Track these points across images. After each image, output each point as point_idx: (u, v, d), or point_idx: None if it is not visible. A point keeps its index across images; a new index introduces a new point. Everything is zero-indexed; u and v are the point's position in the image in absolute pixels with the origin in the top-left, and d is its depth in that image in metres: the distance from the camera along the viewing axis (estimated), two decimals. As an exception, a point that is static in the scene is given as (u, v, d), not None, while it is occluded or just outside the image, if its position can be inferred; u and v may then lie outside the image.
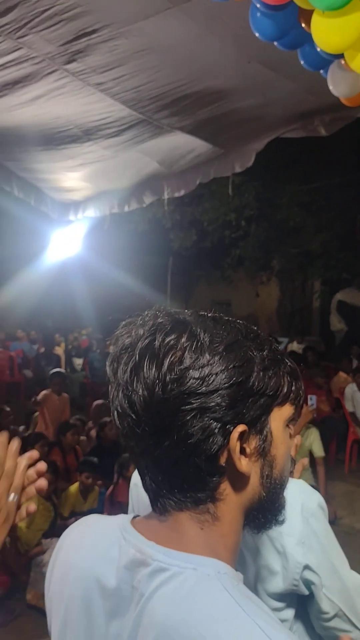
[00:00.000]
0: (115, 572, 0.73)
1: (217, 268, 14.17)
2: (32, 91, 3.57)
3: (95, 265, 9.56)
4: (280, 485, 0.77)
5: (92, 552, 0.78)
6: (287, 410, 0.76)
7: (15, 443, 0.89)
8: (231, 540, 0.74)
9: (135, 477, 1.47)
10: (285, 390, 0.75)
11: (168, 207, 7.65)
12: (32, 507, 0.91)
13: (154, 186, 5.37)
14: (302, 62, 2.49)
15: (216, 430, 0.68)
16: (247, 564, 1.10)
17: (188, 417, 0.68)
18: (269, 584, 1.12)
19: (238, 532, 0.75)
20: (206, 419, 0.68)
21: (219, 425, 0.68)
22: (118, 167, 4.97)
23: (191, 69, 3.33)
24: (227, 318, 0.76)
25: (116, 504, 4.22)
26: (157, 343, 0.69)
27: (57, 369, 7.31)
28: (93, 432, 5.63)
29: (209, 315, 0.75)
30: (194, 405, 0.68)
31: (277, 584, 1.11)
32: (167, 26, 2.88)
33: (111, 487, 4.35)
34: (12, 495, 0.86)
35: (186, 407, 0.68)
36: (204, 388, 0.68)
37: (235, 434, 0.69)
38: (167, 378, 0.68)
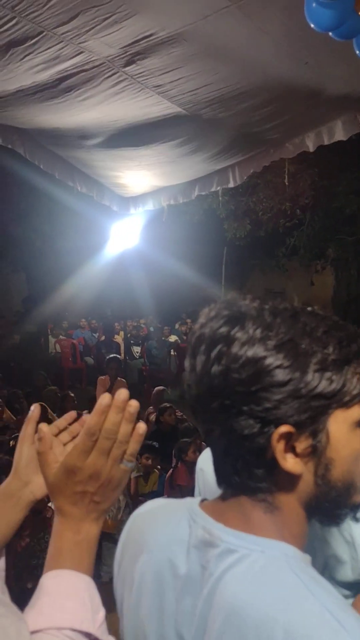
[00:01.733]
0: (185, 552, 0.76)
1: (272, 257, 14.10)
2: (93, 97, 3.73)
3: (153, 256, 9.78)
4: (344, 488, 0.73)
5: (163, 532, 0.81)
6: (356, 412, 0.71)
7: (133, 405, 0.77)
8: (297, 529, 0.73)
9: (201, 462, 1.55)
10: (353, 391, 0.70)
11: (223, 197, 7.72)
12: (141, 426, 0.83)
13: (206, 181, 5.48)
14: (357, 52, 2.52)
15: (255, 430, 0.68)
16: (315, 553, 1.06)
17: (231, 412, 0.68)
18: (337, 573, 1.13)
19: (301, 523, 0.74)
20: (247, 416, 0.67)
21: (259, 424, 0.67)
22: (175, 169, 5.12)
23: (247, 70, 3.39)
24: (295, 310, 0.72)
25: (175, 487, 4.39)
26: (208, 333, 0.70)
27: (113, 355, 7.61)
28: (152, 417, 5.86)
29: (278, 307, 0.72)
30: (236, 401, 0.67)
31: (346, 573, 1.12)
32: (224, 26, 2.94)
33: (170, 471, 4.54)
34: (128, 464, 0.78)
35: (228, 401, 0.68)
36: (246, 386, 0.67)
37: (276, 435, 0.67)
38: (213, 370, 0.68)
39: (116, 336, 11.36)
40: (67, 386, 8.74)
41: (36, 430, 0.85)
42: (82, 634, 0.72)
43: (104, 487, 0.77)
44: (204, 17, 2.86)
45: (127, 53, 3.27)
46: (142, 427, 0.79)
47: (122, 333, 11.18)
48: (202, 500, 0.81)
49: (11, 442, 4.22)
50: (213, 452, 0.74)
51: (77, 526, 0.76)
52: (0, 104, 3.87)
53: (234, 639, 0.66)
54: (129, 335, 11.03)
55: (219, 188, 5.38)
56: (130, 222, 6.81)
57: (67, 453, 0.78)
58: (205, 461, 1.51)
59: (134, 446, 0.78)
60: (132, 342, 11.19)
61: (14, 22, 2.90)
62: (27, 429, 0.97)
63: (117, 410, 0.75)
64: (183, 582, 0.75)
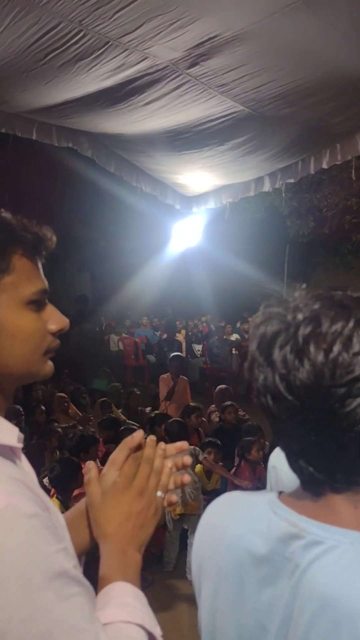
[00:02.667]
0: (265, 543, 0.77)
1: (336, 254, 13.75)
2: (156, 100, 3.79)
3: (214, 254, 9.80)
4: None
5: (242, 523, 0.82)
6: None
7: (162, 444, 0.93)
8: None
9: (273, 459, 1.56)
10: None
11: (286, 194, 7.62)
12: (187, 478, 0.96)
13: (269, 177, 5.44)
14: None
15: None
16: None
17: (355, 404, 0.67)
18: None
19: None
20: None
21: None
22: (237, 169, 5.11)
23: (312, 65, 3.33)
24: None
25: (238, 486, 4.41)
26: (323, 329, 0.68)
27: (176, 353, 7.70)
28: (215, 417, 5.88)
29: None
30: (353, 388, 0.66)
31: None
32: (290, 22, 2.89)
33: (233, 469, 4.55)
34: (159, 493, 0.89)
35: (354, 393, 0.67)
36: None
37: None
38: (336, 364, 0.67)
39: (178, 334, 11.47)
40: (130, 383, 8.92)
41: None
42: (146, 632, 0.75)
43: (146, 510, 0.86)
44: (270, 15, 2.83)
45: (191, 55, 3.30)
46: (170, 464, 0.93)
47: (183, 331, 11.28)
48: (279, 494, 0.82)
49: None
50: (311, 453, 0.72)
51: (123, 549, 0.83)
52: (67, 110, 4.02)
53: (327, 629, 0.66)
54: (190, 333, 11.11)
55: (281, 183, 5.33)
56: (192, 221, 6.86)
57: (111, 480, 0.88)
58: (278, 458, 1.52)
59: (165, 479, 0.91)
60: (193, 340, 11.26)
61: (81, 35, 2.99)
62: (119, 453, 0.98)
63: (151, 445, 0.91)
64: (264, 573, 0.76)
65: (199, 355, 11.08)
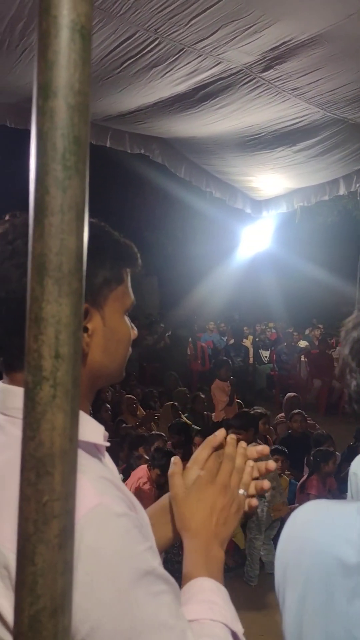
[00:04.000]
0: (357, 553, 0.75)
1: None
2: (229, 104, 3.79)
3: (284, 259, 9.65)
4: None
5: (330, 531, 0.81)
6: None
7: (244, 443, 0.95)
8: None
9: (355, 467, 1.53)
10: None
11: (360, 197, 7.37)
12: (267, 483, 0.98)
13: (345, 180, 5.29)
14: None
15: None
16: None
17: None
18: None
19: None
20: None
21: None
22: (310, 170, 5.00)
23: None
24: None
25: (306, 497, 4.29)
26: None
27: (223, 358, 7.71)
28: (283, 425, 5.77)
29: None
30: None
31: None
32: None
33: (303, 479, 4.44)
34: (241, 491, 0.91)
35: None
36: None
37: None
38: None
39: (245, 340, 11.37)
40: (196, 388, 8.93)
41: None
42: (230, 631, 0.75)
43: (228, 506, 0.87)
44: (347, 17, 2.77)
45: (265, 59, 3.28)
46: (251, 464, 0.94)
47: (250, 337, 11.16)
48: None
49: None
50: None
51: (207, 545, 0.84)
52: (141, 116, 4.09)
53: None
54: (257, 339, 10.98)
55: (358, 186, 5.17)
56: (262, 225, 6.79)
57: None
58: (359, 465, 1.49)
59: (246, 477, 0.92)
60: (260, 346, 11.13)
61: (156, 42, 3.05)
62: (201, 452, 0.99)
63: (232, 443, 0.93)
64: (355, 582, 0.75)
65: (266, 362, 10.92)
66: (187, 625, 0.69)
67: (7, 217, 0.82)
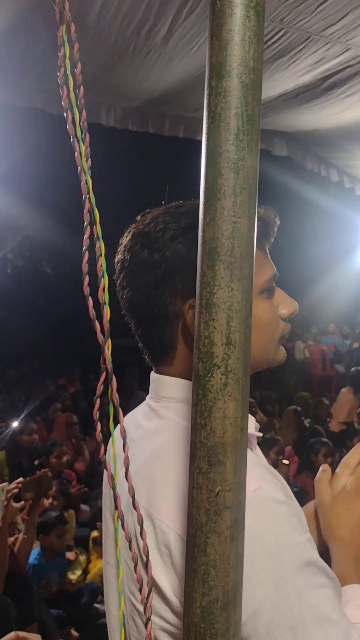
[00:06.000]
0: None
1: None
2: (356, 93, 3.61)
3: None
4: None
5: None
6: None
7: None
8: None
9: None
10: None
11: None
12: None
13: None
14: None
15: None
16: None
17: None
18: None
19: None
20: None
21: None
22: None
23: None
24: None
25: None
26: None
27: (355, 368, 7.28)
28: None
29: None
30: None
31: None
32: None
33: None
34: None
35: None
36: None
37: None
38: None
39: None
40: (316, 393, 8.64)
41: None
42: None
43: None
44: None
45: None
46: None
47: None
48: None
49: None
50: None
51: (356, 554, 0.82)
52: (264, 110, 4.03)
53: None
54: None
55: None
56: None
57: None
58: None
59: None
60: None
61: (282, 32, 2.98)
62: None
63: None
64: None
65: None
66: (351, 625, 0.66)
67: (138, 217, 0.84)
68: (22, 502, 2.70)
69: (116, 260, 0.82)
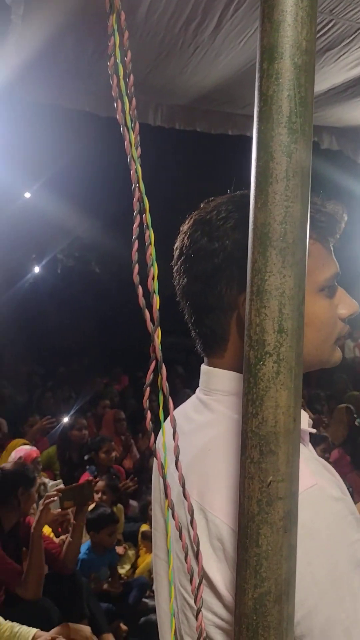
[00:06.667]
0: None
1: None
2: None
3: None
4: None
5: None
6: None
7: None
8: None
9: None
10: None
11: None
12: None
13: None
14: None
15: None
16: None
17: None
18: None
19: None
20: None
21: None
22: None
23: None
24: None
25: None
26: None
27: None
28: None
29: None
30: None
31: None
32: None
33: None
34: None
35: None
36: None
37: None
38: None
39: None
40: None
41: None
42: None
43: None
44: None
45: None
46: None
47: None
48: None
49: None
50: None
51: None
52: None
53: None
54: None
55: None
56: None
57: None
58: None
59: None
60: None
61: (331, 24, 2.91)
62: None
63: None
64: None
65: None
66: None
67: (202, 204, 0.83)
68: (59, 510, 2.70)
69: (175, 246, 0.81)
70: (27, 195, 9.83)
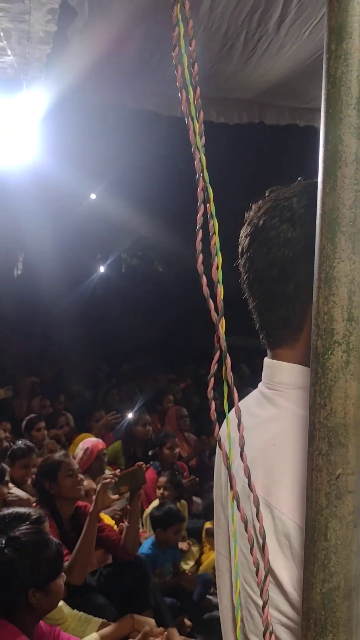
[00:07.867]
0: None
1: None
2: None
3: None
4: None
5: None
6: None
7: None
8: None
9: None
10: None
11: None
12: None
13: None
14: None
15: None
16: None
17: None
18: None
19: None
20: None
21: None
22: None
23: None
24: None
25: None
26: None
27: None
28: None
29: None
30: None
31: None
32: None
33: None
34: None
35: None
36: None
37: None
38: None
39: None
40: None
41: None
42: None
43: None
44: None
45: None
46: None
47: None
48: None
49: None
50: None
51: None
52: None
53: None
54: None
55: None
56: None
57: None
58: None
59: None
60: None
61: None
62: None
63: None
64: None
65: None
66: None
67: (267, 192, 0.82)
68: (116, 496, 2.73)
69: (244, 233, 0.80)
70: (93, 196, 10.08)
